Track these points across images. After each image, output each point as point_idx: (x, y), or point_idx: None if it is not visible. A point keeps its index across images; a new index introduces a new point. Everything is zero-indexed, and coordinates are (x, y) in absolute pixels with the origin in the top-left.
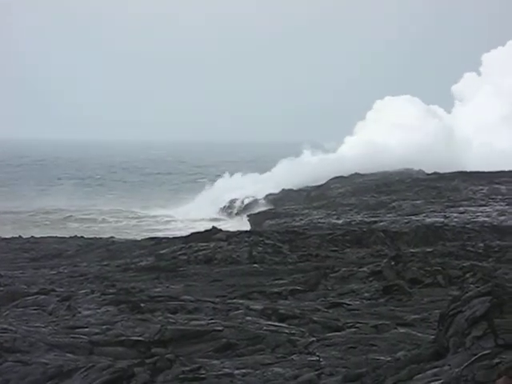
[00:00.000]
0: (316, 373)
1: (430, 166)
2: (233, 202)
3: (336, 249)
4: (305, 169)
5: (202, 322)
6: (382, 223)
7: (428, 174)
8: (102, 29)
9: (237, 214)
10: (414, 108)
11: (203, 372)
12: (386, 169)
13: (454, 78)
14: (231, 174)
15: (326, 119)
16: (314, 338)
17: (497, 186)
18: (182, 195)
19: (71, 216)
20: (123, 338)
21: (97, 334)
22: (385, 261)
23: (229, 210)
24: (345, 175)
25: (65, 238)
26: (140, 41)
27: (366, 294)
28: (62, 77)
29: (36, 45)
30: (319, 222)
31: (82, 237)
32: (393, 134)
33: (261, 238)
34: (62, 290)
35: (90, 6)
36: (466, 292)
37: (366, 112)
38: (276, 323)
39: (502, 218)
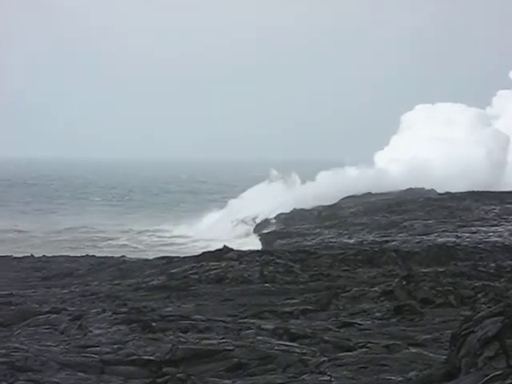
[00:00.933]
0: None
1: (485, 183)
2: (244, 221)
3: (347, 268)
4: (346, 182)
5: (214, 342)
6: (393, 243)
7: (440, 194)
8: (102, 44)
9: (248, 233)
10: (457, 115)
11: None
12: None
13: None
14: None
15: (340, 135)
16: (326, 358)
17: (509, 205)
18: (200, 214)
19: (85, 235)
20: (135, 357)
21: (108, 353)
22: (396, 280)
23: (240, 229)
24: (357, 194)
25: (76, 256)
26: (146, 56)
27: (378, 314)
28: (64, 92)
29: (34, 61)
30: (330, 242)
31: (93, 256)
32: (436, 147)
33: (272, 258)
34: (73, 309)
35: (87, 19)
36: (478, 312)
37: (390, 124)
38: (287, 343)
39: None
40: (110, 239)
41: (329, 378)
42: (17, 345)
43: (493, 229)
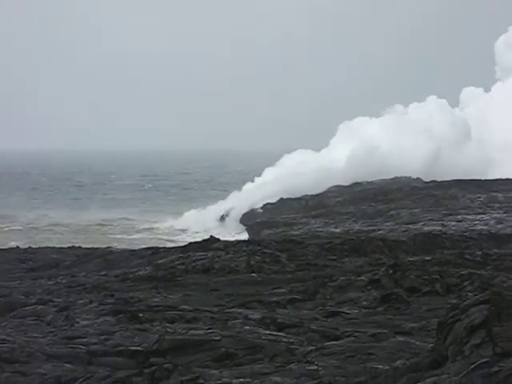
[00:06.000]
0: (315, 382)
1: None
2: (231, 211)
3: (334, 258)
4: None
5: (201, 332)
6: (379, 232)
7: (426, 182)
8: (98, 30)
9: (234, 223)
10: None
11: (202, 381)
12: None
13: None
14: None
15: None
16: (313, 347)
17: (494, 194)
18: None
19: (70, 226)
20: (122, 348)
21: (95, 344)
22: (383, 269)
23: (227, 219)
24: (344, 184)
25: (62, 248)
26: (139, 45)
27: (365, 303)
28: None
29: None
30: (317, 231)
31: (79, 247)
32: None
33: (259, 248)
34: (60, 300)
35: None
36: (464, 300)
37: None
38: (274, 332)
39: (500, 225)
40: (88, 230)
41: (316, 367)
42: (3, 336)
43: (479, 217)
